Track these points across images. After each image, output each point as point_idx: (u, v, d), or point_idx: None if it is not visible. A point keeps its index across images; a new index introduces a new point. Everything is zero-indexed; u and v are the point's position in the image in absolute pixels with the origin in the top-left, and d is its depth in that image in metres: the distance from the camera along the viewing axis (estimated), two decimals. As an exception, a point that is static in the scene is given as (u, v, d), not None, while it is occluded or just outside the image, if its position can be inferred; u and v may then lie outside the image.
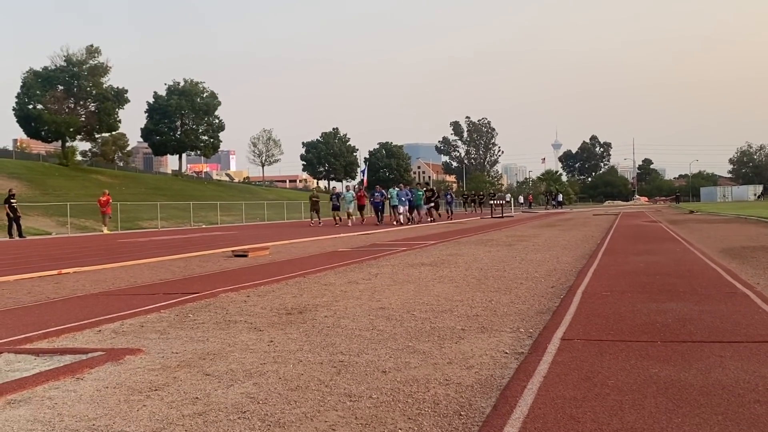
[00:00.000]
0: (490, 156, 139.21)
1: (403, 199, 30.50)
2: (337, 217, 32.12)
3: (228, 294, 7.77)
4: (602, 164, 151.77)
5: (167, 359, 4.51)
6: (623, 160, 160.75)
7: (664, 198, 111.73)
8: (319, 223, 33.24)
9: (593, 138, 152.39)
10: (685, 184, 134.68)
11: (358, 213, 33.14)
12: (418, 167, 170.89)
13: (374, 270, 10.21)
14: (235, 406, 3.39)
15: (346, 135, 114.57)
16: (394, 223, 29.87)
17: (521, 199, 78.34)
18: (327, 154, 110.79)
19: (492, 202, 46.86)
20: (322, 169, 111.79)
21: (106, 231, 31.60)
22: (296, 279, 9.27)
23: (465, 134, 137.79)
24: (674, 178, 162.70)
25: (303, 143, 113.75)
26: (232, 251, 14.64)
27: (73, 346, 5.00)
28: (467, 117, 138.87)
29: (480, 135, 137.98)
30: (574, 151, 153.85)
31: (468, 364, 4.21)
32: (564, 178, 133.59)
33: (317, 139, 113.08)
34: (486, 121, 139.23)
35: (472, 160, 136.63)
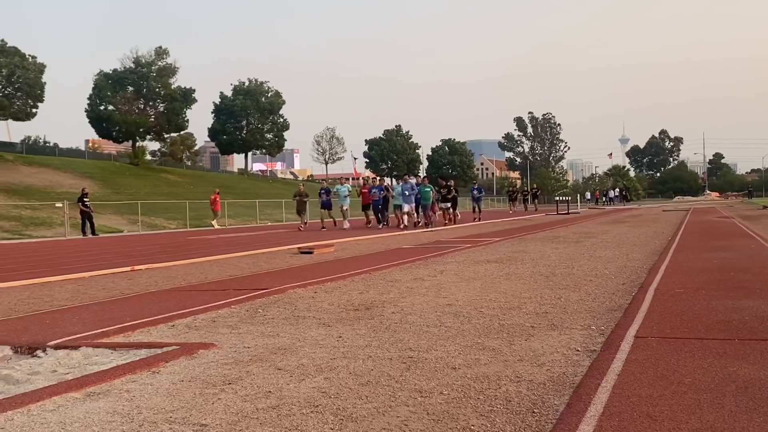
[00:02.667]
0: (555, 152, 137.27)
1: (407, 194, 24.08)
2: (324, 219, 26.29)
3: (296, 290, 7.86)
4: (671, 159, 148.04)
5: (239, 353, 4.59)
6: (693, 155, 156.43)
7: (735, 193, 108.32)
8: (304, 224, 26.60)
9: (662, 132, 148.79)
10: (757, 179, 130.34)
11: (371, 213, 26.73)
12: (481, 164, 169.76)
13: (439, 267, 10.19)
14: (308, 400, 3.42)
15: (408, 132, 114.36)
16: (401, 226, 23.82)
17: (588, 195, 77.09)
18: (390, 152, 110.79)
19: (556, 198, 46.18)
20: (384, 166, 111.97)
21: (216, 225, 33.85)
22: (362, 276, 9.31)
23: (529, 130, 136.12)
24: (746, 172, 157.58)
25: (366, 141, 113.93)
26: (298, 248, 14.80)
27: (149, 341, 5.13)
28: (530, 112, 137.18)
29: (544, 130, 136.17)
30: (642, 146, 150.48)
31: (539, 361, 4.17)
32: (632, 173, 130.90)
33: (380, 137, 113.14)
34: (550, 116, 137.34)
35: (537, 156, 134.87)
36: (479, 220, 29.88)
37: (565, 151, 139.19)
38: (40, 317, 6.52)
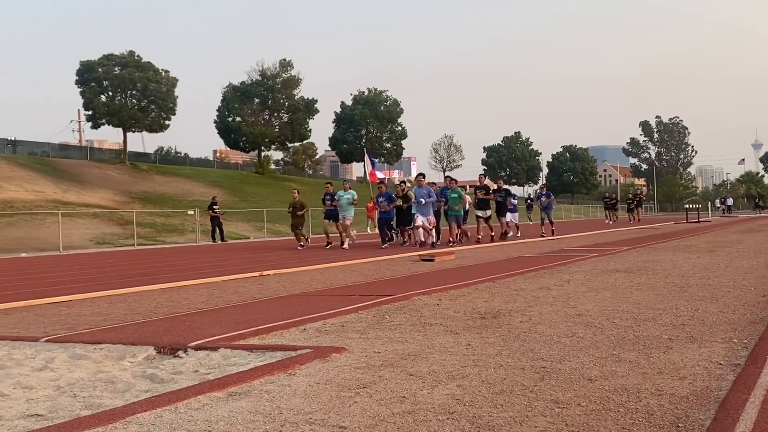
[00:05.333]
0: (684, 157, 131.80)
1: (423, 201, 18.34)
2: (330, 234, 21.19)
3: (420, 297, 7.89)
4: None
5: (371, 358, 4.65)
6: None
7: None
8: (305, 242, 21.94)
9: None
10: None
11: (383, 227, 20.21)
12: (604, 170, 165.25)
13: (566, 276, 9.98)
14: (442, 407, 3.42)
15: (528, 139, 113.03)
16: (416, 243, 18.72)
17: (717, 203, 73.57)
18: (509, 159, 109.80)
19: (686, 206, 44.19)
20: (503, 173, 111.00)
21: (370, 231, 34.49)
22: (485, 284, 9.25)
23: (655, 135, 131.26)
24: None
25: (484, 148, 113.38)
26: (419, 256, 14.87)
27: (283, 344, 5.28)
28: (657, 116, 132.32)
29: (671, 135, 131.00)
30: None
31: (680, 374, 4.00)
32: (766, 180, 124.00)
33: (498, 144, 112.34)
34: (677, 120, 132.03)
35: (664, 162, 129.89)
36: (551, 234, 24.06)
37: (693, 156, 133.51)
38: (179, 319, 6.83)
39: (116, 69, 56.73)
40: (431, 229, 18.76)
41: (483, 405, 3.45)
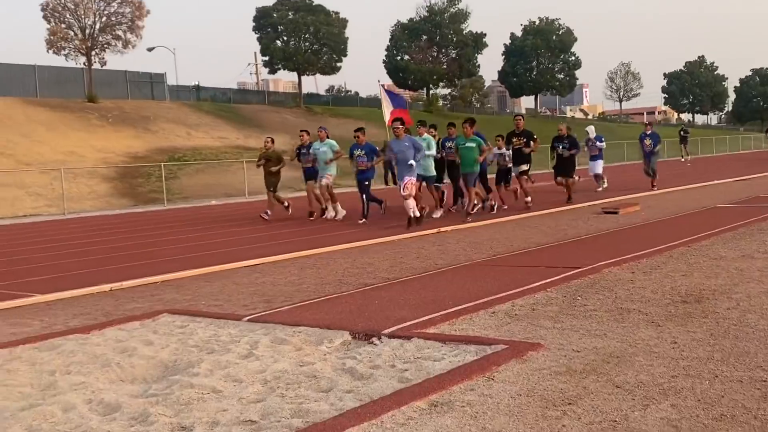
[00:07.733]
0: None
1: (400, 157, 13.22)
2: (314, 196, 16.23)
3: (611, 269, 7.56)
4: None
5: (570, 360, 4.48)
6: None
7: None
8: (285, 207, 16.71)
9: None
10: None
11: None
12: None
13: (769, 238, 9.21)
14: (660, 440, 3.23)
15: (713, 63, 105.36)
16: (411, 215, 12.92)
17: None
18: (691, 85, 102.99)
19: None
20: (685, 101, 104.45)
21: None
22: (680, 249, 8.72)
23: None
24: None
25: (664, 74, 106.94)
26: (602, 207, 14.35)
27: (476, 335, 5.21)
28: None
29: None
30: None
31: None
32: None
33: (680, 69, 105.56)
34: None
35: None
36: (654, 187, 19.11)
37: None
38: (368, 295, 6.95)
39: (290, 14, 58.23)
40: (413, 195, 13.09)
41: (704, 438, 3.22)
